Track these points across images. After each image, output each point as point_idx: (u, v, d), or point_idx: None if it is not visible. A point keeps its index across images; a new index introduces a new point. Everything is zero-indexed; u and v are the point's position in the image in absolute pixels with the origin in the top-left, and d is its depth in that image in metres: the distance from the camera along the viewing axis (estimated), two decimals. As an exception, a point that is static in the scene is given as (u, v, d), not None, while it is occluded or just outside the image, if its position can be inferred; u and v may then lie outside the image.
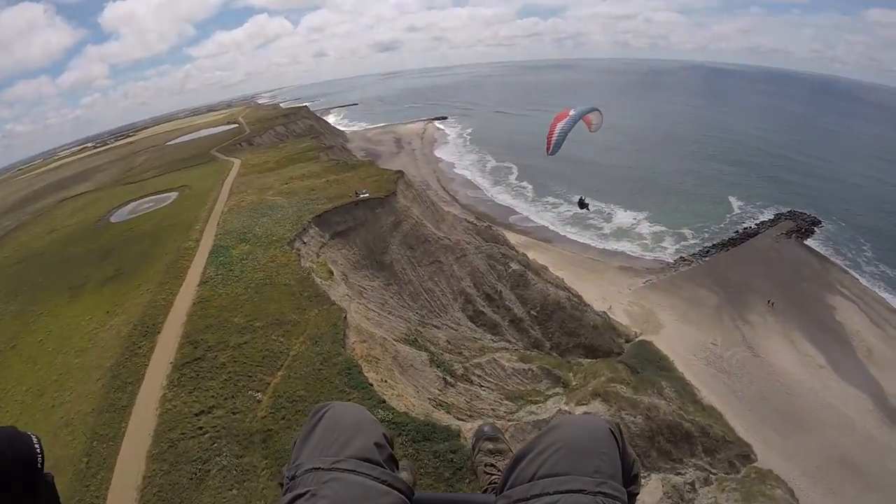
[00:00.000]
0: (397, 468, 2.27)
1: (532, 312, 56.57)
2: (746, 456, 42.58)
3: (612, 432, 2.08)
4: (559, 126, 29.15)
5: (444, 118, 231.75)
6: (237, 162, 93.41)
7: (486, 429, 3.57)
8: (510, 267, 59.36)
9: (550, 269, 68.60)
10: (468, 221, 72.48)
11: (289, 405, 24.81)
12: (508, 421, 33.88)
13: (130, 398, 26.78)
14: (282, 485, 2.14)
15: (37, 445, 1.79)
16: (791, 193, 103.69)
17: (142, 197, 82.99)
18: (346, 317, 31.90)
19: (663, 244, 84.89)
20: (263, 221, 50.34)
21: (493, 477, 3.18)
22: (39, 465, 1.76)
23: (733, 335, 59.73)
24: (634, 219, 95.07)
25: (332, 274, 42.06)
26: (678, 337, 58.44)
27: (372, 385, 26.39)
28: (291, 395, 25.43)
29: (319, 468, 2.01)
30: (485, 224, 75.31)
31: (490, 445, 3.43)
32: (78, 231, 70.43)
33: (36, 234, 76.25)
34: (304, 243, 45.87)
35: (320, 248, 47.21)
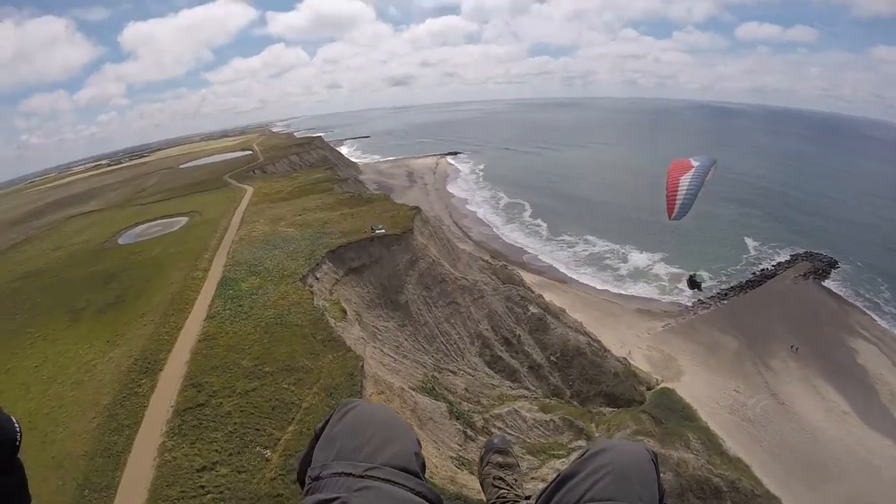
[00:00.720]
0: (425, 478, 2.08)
1: (552, 358, 54.26)
2: None
3: (652, 461, 2.11)
4: (685, 183, 24.02)
5: (457, 153, 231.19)
6: (250, 189, 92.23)
7: (495, 440, 3.46)
8: (529, 310, 57.17)
9: (568, 311, 66.34)
10: (484, 260, 70.63)
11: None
12: (532, 478, 31.87)
13: (127, 443, 24.56)
14: (300, 480, 2.10)
15: (17, 426, 1.86)
16: (806, 234, 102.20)
17: (151, 220, 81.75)
18: (362, 366, 29.76)
19: (680, 286, 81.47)
20: (275, 254, 48.53)
21: (502, 491, 3.07)
22: (17, 444, 1.84)
23: (755, 381, 57.81)
24: (650, 260, 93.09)
25: (346, 313, 40.01)
26: (700, 384, 56.62)
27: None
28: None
29: (351, 474, 1.84)
30: (500, 263, 73.49)
31: (499, 458, 3.31)
32: (83, 251, 68.92)
33: (41, 250, 74.97)
34: (317, 279, 43.99)
35: (333, 284, 45.29)
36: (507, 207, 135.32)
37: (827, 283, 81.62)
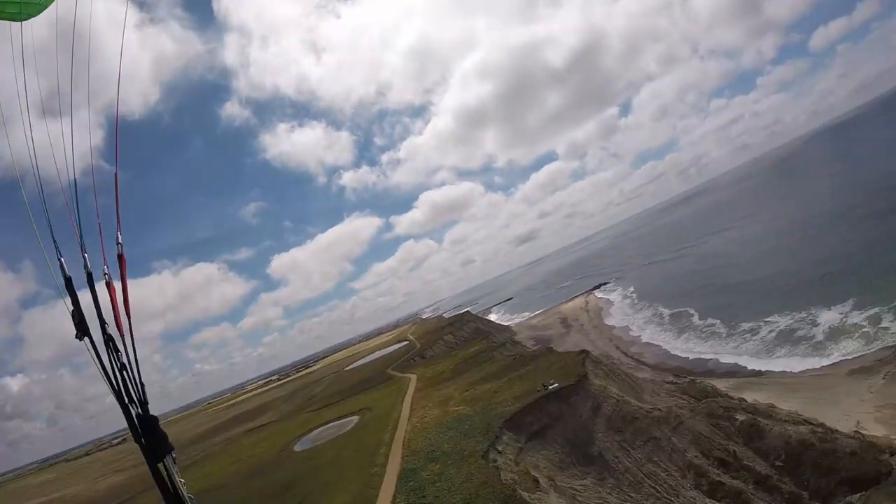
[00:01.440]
0: None
1: (777, 463, 45.62)
2: None
3: None
4: None
5: (604, 284, 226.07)
6: (413, 377, 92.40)
7: None
8: (736, 420, 49.42)
9: (776, 404, 57.44)
10: (668, 382, 64.28)
11: None
12: None
13: None
14: None
15: None
16: None
17: (323, 424, 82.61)
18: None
19: (884, 325, 70.56)
20: (451, 435, 45.96)
21: None
22: None
23: None
24: (842, 312, 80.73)
25: (538, 482, 35.77)
26: None
27: None
28: None
29: None
30: (687, 379, 66.42)
31: None
32: (261, 462, 70.09)
33: (221, 465, 77.91)
34: (500, 452, 40.37)
35: (518, 454, 41.39)
36: (673, 319, 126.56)
37: None
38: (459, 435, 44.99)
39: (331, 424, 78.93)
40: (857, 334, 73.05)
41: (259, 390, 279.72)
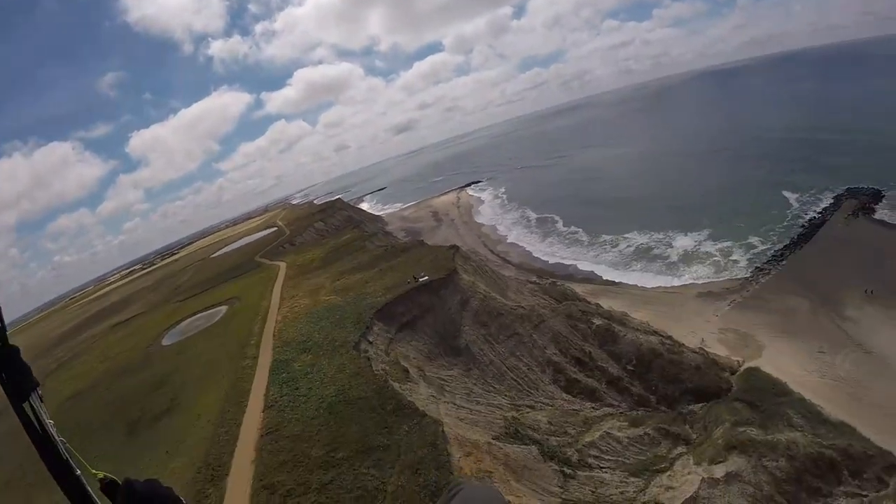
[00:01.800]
0: None
1: (628, 367, 50.79)
2: (892, 465, 37.68)
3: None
4: None
5: (476, 183, 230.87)
6: (283, 265, 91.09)
7: None
8: (593, 323, 53.84)
9: (629, 313, 62.96)
10: (531, 282, 67.88)
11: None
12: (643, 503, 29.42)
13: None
14: None
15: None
16: (841, 172, 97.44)
17: (192, 315, 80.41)
18: (443, 430, 26.98)
19: (734, 258, 79.23)
20: (322, 325, 46.35)
21: None
22: None
23: (837, 336, 54.39)
24: (696, 240, 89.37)
25: (408, 372, 37.51)
26: (783, 354, 53.35)
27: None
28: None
29: None
30: (548, 281, 70.49)
31: None
32: (131, 358, 67.68)
33: (90, 365, 74.41)
34: (371, 343, 41.57)
35: (388, 344, 42.89)
36: (539, 223, 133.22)
37: (878, 215, 77.73)
38: (331, 325, 45.55)
39: (199, 315, 77.25)
40: (708, 261, 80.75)
41: (123, 281, 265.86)
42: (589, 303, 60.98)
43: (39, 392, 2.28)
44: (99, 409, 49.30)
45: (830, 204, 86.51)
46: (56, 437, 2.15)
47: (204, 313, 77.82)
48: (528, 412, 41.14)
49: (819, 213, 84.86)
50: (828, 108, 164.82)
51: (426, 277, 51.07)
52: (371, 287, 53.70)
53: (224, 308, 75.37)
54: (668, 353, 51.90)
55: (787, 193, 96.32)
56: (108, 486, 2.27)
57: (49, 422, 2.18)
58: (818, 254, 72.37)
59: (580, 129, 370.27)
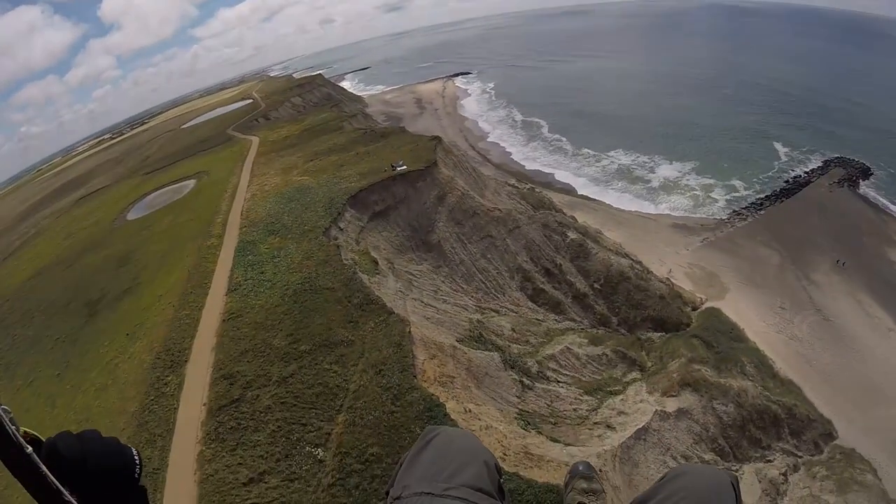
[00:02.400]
0: (504, 498, 2.25)
1: (595, 286, 50.55)
2: (829, 434, 39.94)
3: (733, 486, 2.06)
4: None
5: (464, 74, 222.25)
6: (256, 140, 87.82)
7: (580, 467, 3.37)
8: (568, 236, 52.99)
9: (603, 231, 62.66)
10: (511, 185, 66.48)
11: (360, 467, 19.25)
12: (594, 423, 29.89)
13: (162, 457, 21.33)
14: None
15: (136, 457, 1.90)
16: (836, 139, 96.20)
17: (158, 188, 78.31)
18: (409, 331, 26.11)
19: (713, 196, 79.32)
20: (292, 207, 44.60)
21: None
22: (137, 476, 1.87)
23: (800, 297, 55.34)
24: (680, 171, 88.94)
25: (377, 264, 36.39)
26: (745, 301, 54.25)
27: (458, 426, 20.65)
28: (361, 451, 19.84)
29: (430, 493, 1.99)
30: (527, 186, 69.16)
31: (584, 484, 3.23)
32: (94, 234, 66.25)
33: (53, 241, 72.96)
34: (341, 230, 40.22)
35: (359, 233, 41.56)
36: (524, 126, 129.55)
37: (862, 190, 77.55)
38: (301, 207, 43.87)
39: (166, 189, 75.15)
40: (688, 194, 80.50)
41: (91, 151, 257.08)
42: (566, 215, 59.74)
43: None
44: (60, 289, 48.25)
45: (819, 167, 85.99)
46: None
47: (171, 187, 75.64)
48: (493, 316, 40.86)
49: (806, 172, 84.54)
50: (838, 73, 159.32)
51: (404, 167, 49.00)
52: (346, 171, 51.65)
53: (192, 182, 73.14)
54: (636, 279, 51.88)
55: (777, 145, 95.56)
56: (31, 444, 1.70)
57: None
58: (797, 212, 72.46)
59: (581, 35, 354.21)
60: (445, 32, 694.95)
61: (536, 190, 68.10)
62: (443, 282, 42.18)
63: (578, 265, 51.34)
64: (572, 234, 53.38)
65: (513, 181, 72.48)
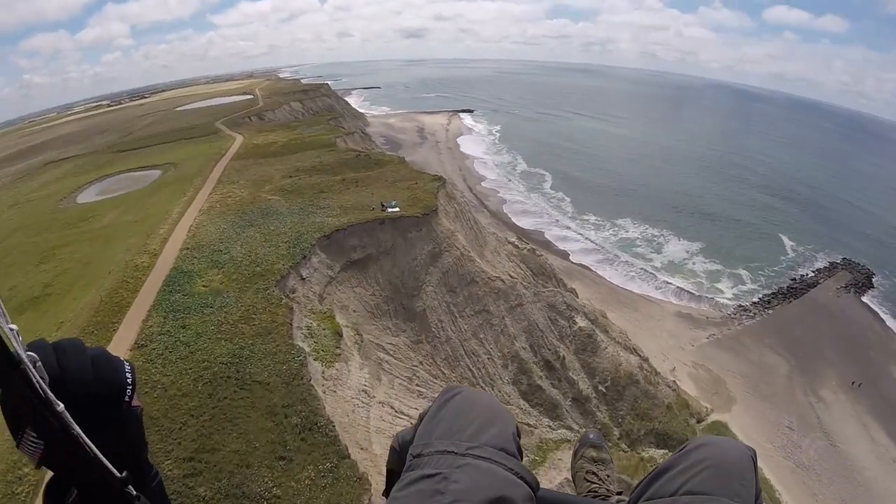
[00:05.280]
0: (522, 460, 2.09)
1: (600, 388, 42.36)
2: None
3: (752, 459, 2.01)
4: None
5: (470, 111, 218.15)
6: (239, 139, 79.52)
7: (591, 436, 3.43)
8: (576, 323, 44.43)
9: (607, 313, 55.47)
10: (511, 244, 58.40)
11: None
12: None
13: None
14: (401, 459, 2.10)
15: (129, 373, 1.65)
16: (841, 239, 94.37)
17: (121, 172, 71.35)
18: (370, 496, 17.26)
19: (719, 286, 75.30)
20: (249, 235, 35.81)
21: (594, 485, 3.14)
22: (129, 396, 1.63)
23: (808, 416, 50.90)
24: (687, 251, 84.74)
25: (341, 337, 27.66)
26: (752, 417, 49.75)
27: None
28: None
29: (453, 452, 1.92)
30: (528, 247, 61.14)
31: (593, 453, 3.30)
32: (37, 211, 59.70)
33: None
34: (303, 279, 31.50)
35: (326, 285, 32.82)
36: (526, 176, 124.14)
37: (867, 298, 74.80)
38: (260, 237, 35.16)
39: (128, 175, 68.33)
40: (692, 280, 76.92)
41: (85, 114, 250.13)
42: (576, 296, 51.55)
43: None
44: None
45: (825, 267, 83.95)
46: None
47: (134, 174, 68.89)
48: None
49: (813, 273, 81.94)
50: (842, 171, 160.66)
51: (397, 209, 40.36)
52: (325, 200, 43.12)
53: (156, 174, 65.81)
54: (645, 382, 44.41)
55: (784, 238, 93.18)
56: None
57: None
58: (805, 316, 68.86)
59: (591, 94, 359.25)
60: (460, 68, 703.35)
61: (537, 252, 60.23)
62: (420, 363, 33.59)
63: (584, 360, 43.03)
64: (581, 322, 44.88)
65: (513, 238, 64.50)
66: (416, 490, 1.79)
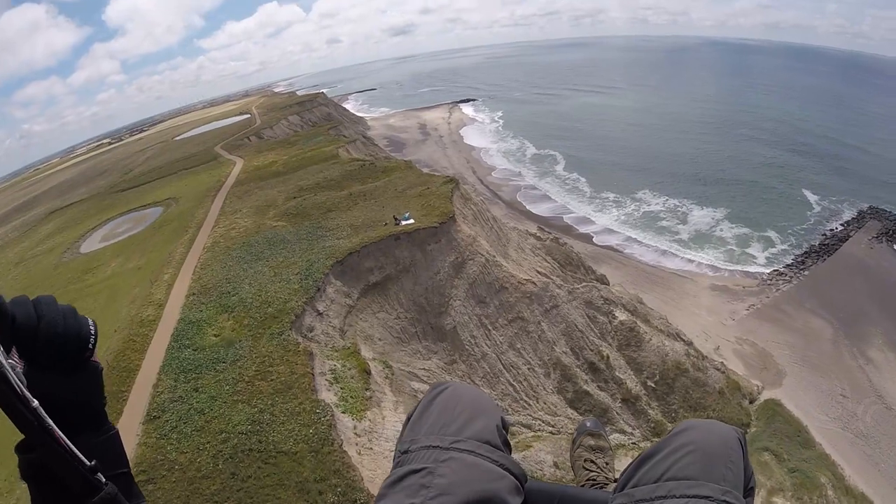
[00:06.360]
0: (510, 452, 2.20)
1: (649, 384, 39.15)
2: None
3: (740, 441, 2.03)
4: None
5: (471, 100, 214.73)
6: (239, 163, 77.49)
7: (588, 423, 3.43)
8: (616, 317, 41.09)
9: (641, 296, 52.24)
10: (533, 236, 55.67)
11: None
12: None
13: None
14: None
15: (92, 328, 1.80)
16: (863, 186, 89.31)
17: (123, 213, 68.99)
18: None
19: (750, 251, 71.43)
20: (257, 270, 33.41)
21: (592, 473, 3.14)
22: (91, 346, 1.79)
23: (859, 380, 47.40)
24: (713, 218, 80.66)
25: (369, 375, 25.14)
26: (805, 389, 46.10)
27: None
28: None
29: (438, 446, 1.97)
30: (551, 237, 58.30)
31: (591, 441, 3.29)
32: (41, 268, 56.56)
33: (3, 267, 64.86)
34: (320, 314, 28.98)
35: (346, 316, 30.32)
36: (537, 160, 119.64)
37: None
38: (269, 272, 32.71)
39: (130, 216, 65.96)
40: (722, 248, 73.16)
41: (87, 155, 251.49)
42: (610, 286, 48.35)
43: None
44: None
45: (853, 218, 78.98)
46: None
47: (136, 214, 66.55)
48: (527, 436, 29.37)
49: (842, 225, 77.33)
50: (849, 114, 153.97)
51: (411, 220, 37.59)
52: (334, 220, 40.51)
53: (158, 211, 63.83)
54: (694, 370, 40.94)
55: (807, 192, 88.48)
56: None
57: None
58: (840, 272, 65.01)
59: (585, 68, 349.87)
60: (452, 58, 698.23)
61: (561, 241, 57.28)
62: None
63: (628, 356, 39.89)
64: (621, 315, 41.59)
65: (534, 229, 61.64)
66: (403, 486, 1.82)
